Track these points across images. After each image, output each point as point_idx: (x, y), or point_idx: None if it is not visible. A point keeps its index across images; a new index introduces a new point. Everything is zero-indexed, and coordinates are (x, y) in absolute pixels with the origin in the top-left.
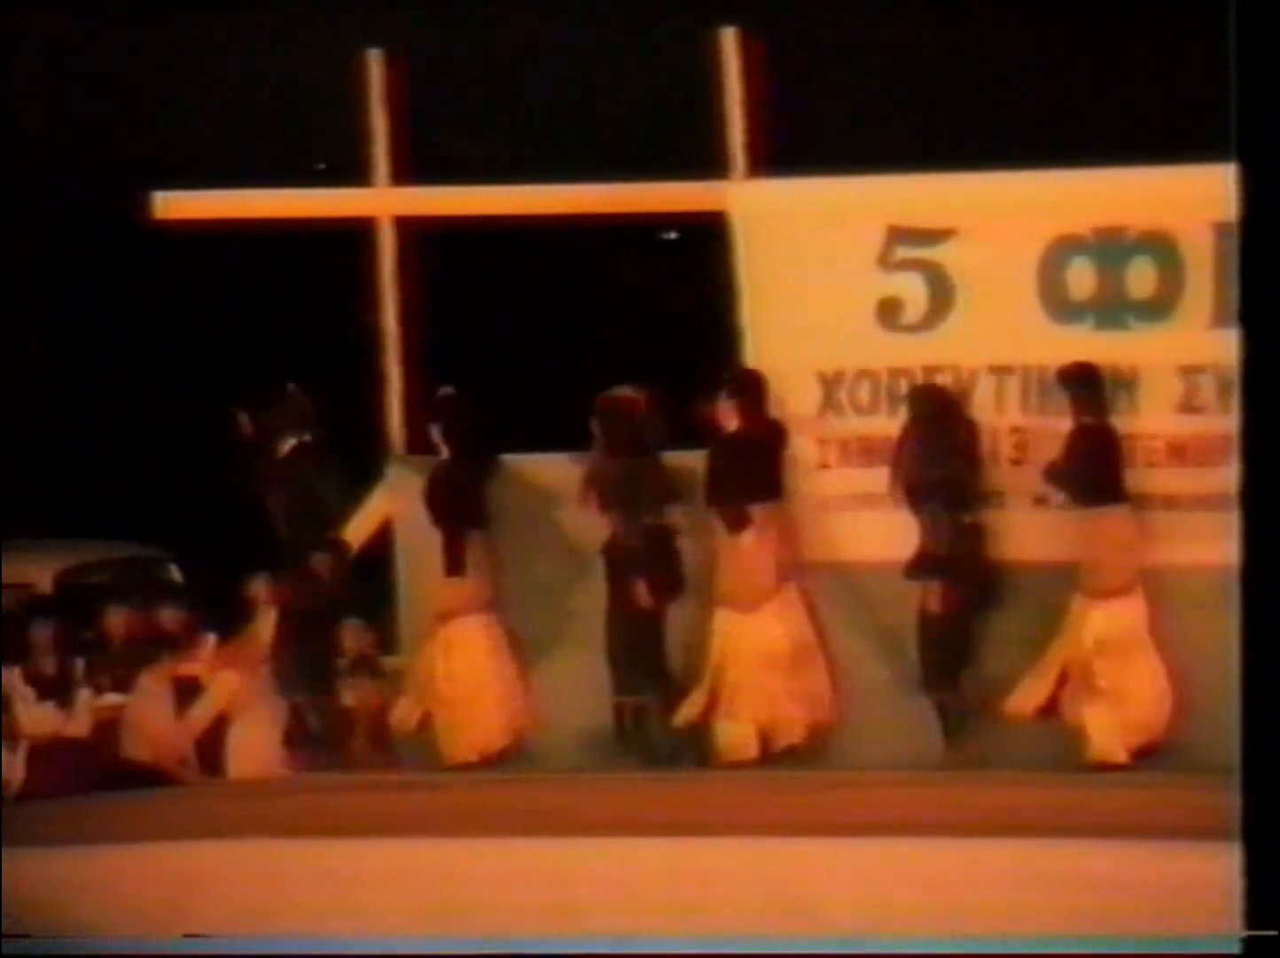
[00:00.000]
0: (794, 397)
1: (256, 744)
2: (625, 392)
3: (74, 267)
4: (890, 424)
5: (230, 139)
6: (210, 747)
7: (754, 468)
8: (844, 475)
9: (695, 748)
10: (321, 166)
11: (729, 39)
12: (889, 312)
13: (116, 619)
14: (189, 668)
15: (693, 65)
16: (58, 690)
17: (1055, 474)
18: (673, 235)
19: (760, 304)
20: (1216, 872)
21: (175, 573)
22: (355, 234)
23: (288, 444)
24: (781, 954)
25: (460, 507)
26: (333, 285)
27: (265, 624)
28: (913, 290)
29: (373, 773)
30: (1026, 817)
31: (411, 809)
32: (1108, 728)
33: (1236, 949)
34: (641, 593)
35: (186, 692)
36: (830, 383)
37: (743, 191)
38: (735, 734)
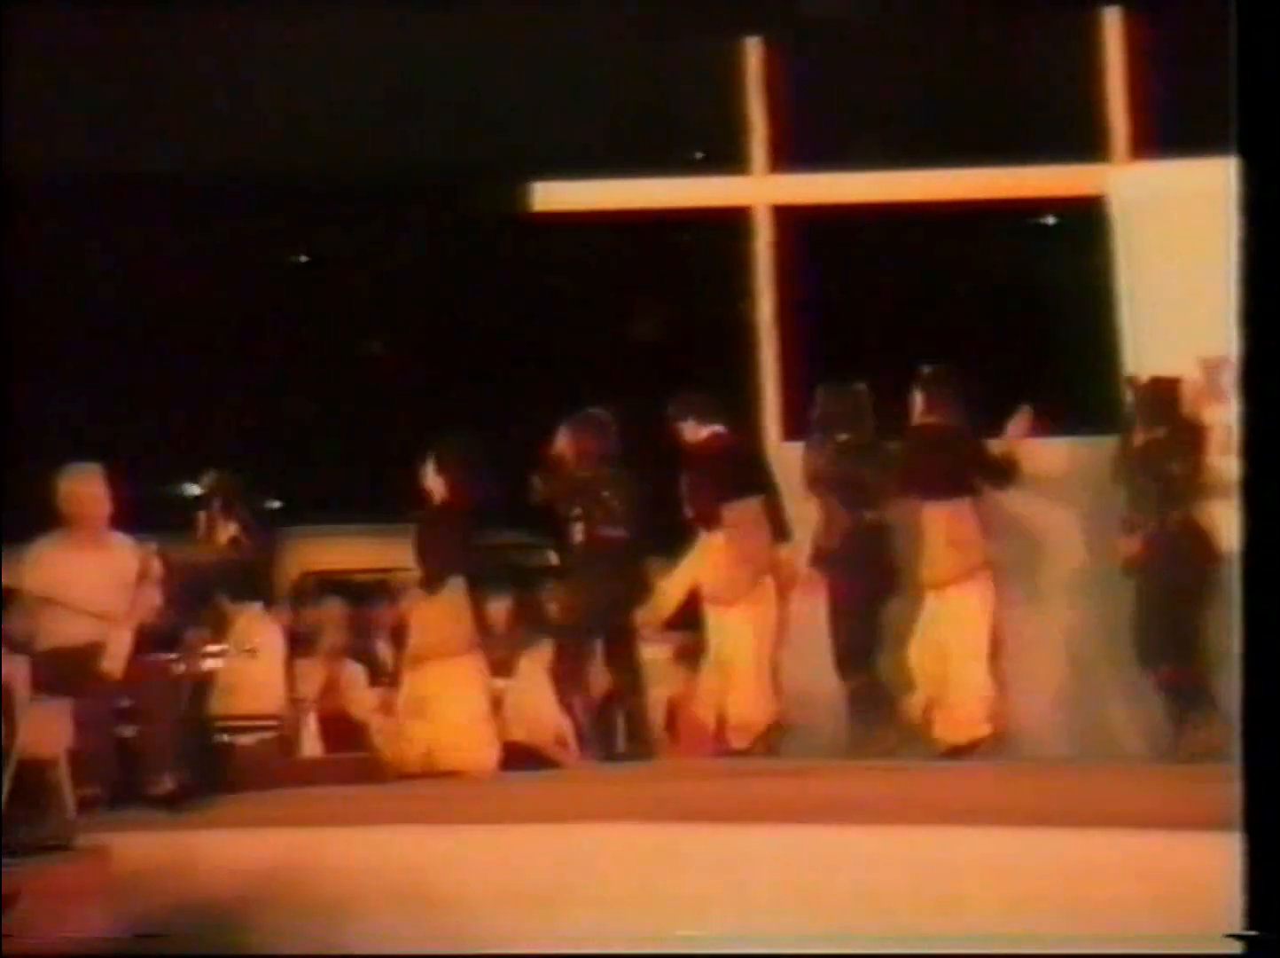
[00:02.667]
0: None
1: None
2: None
3: (456, 259)
4: None
5: (608, 129)
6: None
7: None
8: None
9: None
10: (700, 155)
11: (1112, 20)
12: None
13: (499, 605)
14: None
15: (1069, 46)
16: None
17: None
18: (1050, 220)
19: (1140, 290)
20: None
21: (553, 559)
22: (732, 223)
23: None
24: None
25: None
26: (708, 275)
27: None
28: None
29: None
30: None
31: (786, 796)
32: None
33: (1236, 949)
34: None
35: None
36: (1212, 370)
37: (1123, 175)
38: (961, 720)
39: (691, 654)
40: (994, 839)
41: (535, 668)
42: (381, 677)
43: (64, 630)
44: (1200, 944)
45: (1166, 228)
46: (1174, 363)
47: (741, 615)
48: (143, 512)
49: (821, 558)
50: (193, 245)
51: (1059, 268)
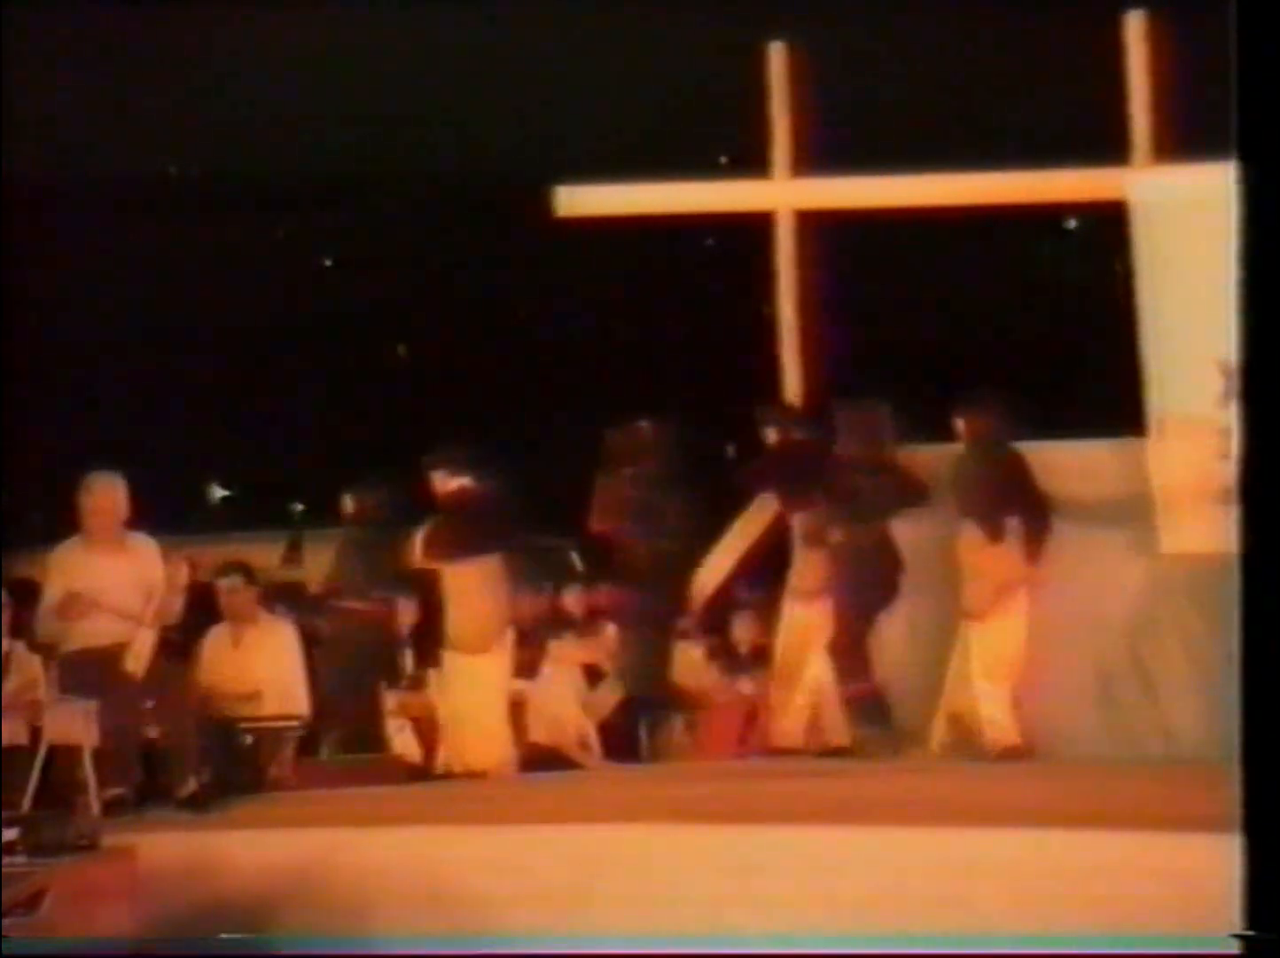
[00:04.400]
0: (1193, 388)
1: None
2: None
3: (476, 263)
4: None
5: (631, 133)
6: (614, 731)
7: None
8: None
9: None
10: (724, 160)
11: (1134, 25)
12: None
13: (523, 605)
14: (591, 654)
15: (1090, 50)
16: None
17: None
18: (1072, 224)
19: (1160, 293)
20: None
21: (576, 561)
22: (755, 227)
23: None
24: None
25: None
26: (732, 278)
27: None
28: None
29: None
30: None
31: (813, 796)
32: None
33: (1236, 949)
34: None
35: (589, 677)
36: (1231, 374)
37: (1143, 179)
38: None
39: (721, 655)
40: (1004, 840)
41: (558, 669)
42: (400, 679)
43: (88, 632)
44: (1205, 944)
45: (1187, 231)
46: (1193, 366)
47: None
48: (160, 515)
49: (617, 584)
50: (219, 250)
51: (1080, 271)
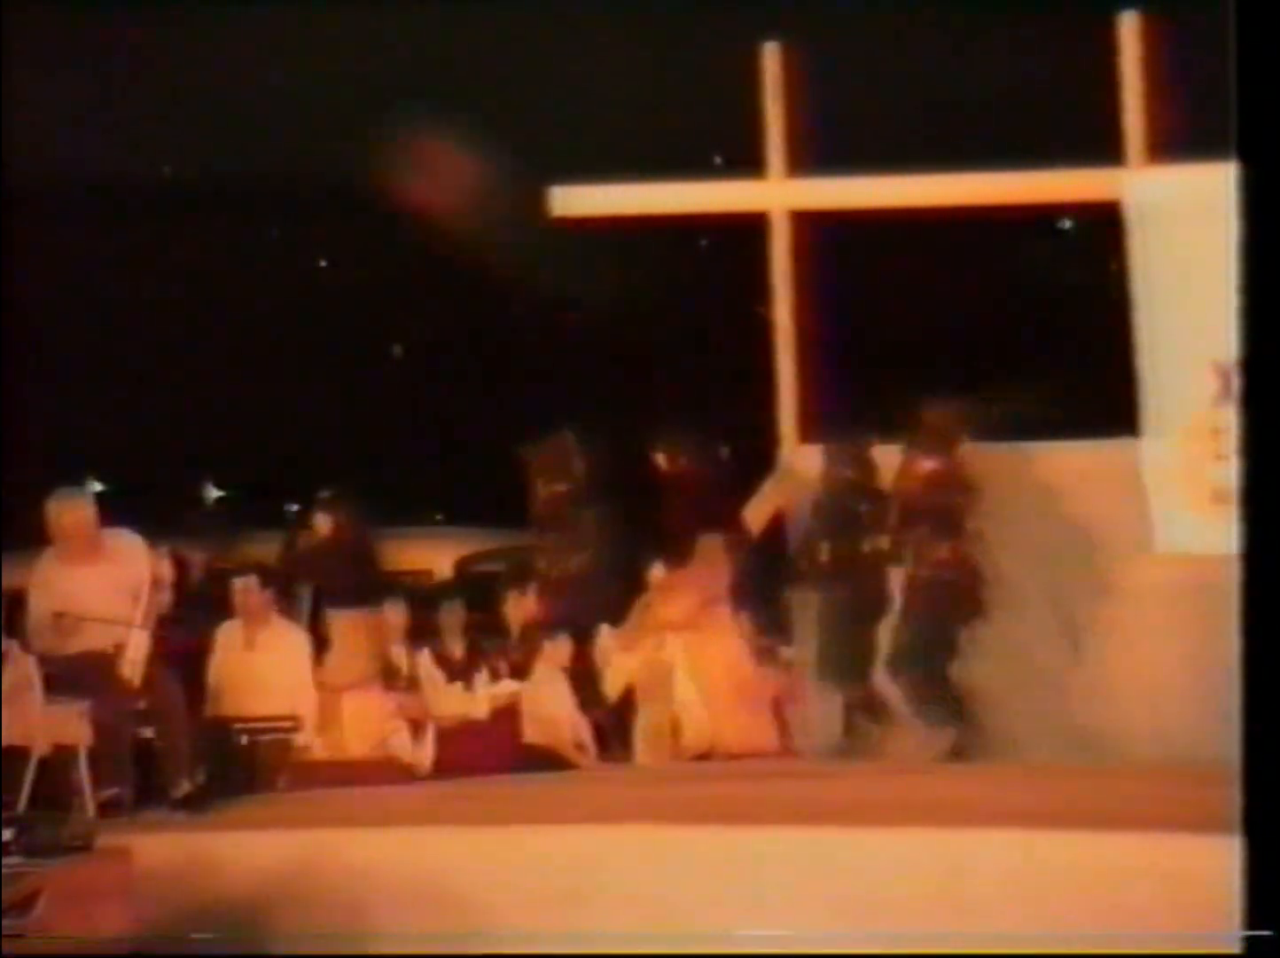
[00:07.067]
0: (1188, 388)
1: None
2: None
3: (475, 264)
4: None
5: (626, 133)
6: (608, 732)
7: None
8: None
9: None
10: (719, 160)
11: (1128, 25)
12: None
13: (515, 606)
14: (585, 654)
15: (1085, 51)
16: (465, 673)
17: None
18: (1067, 224)
19: (1156, 293)
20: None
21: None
22: (749, 228)
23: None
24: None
25: None
26: (726, 279)
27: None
28: None
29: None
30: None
31: (806, 798)
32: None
33: (1237, 949)
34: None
35: (583, 678)
36: (1226, 375)
37: (1139, 179)
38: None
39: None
40: (1004, 841)
41: (551, 670)
42: (397, 681)
43: (79, 638)
44: (1207, 944)
45: (1183, 232)
46: (1188, 367)
47: None
48: (158, 515)
49: (547, 593)
50: (214, 250)
51: (1075, 272)
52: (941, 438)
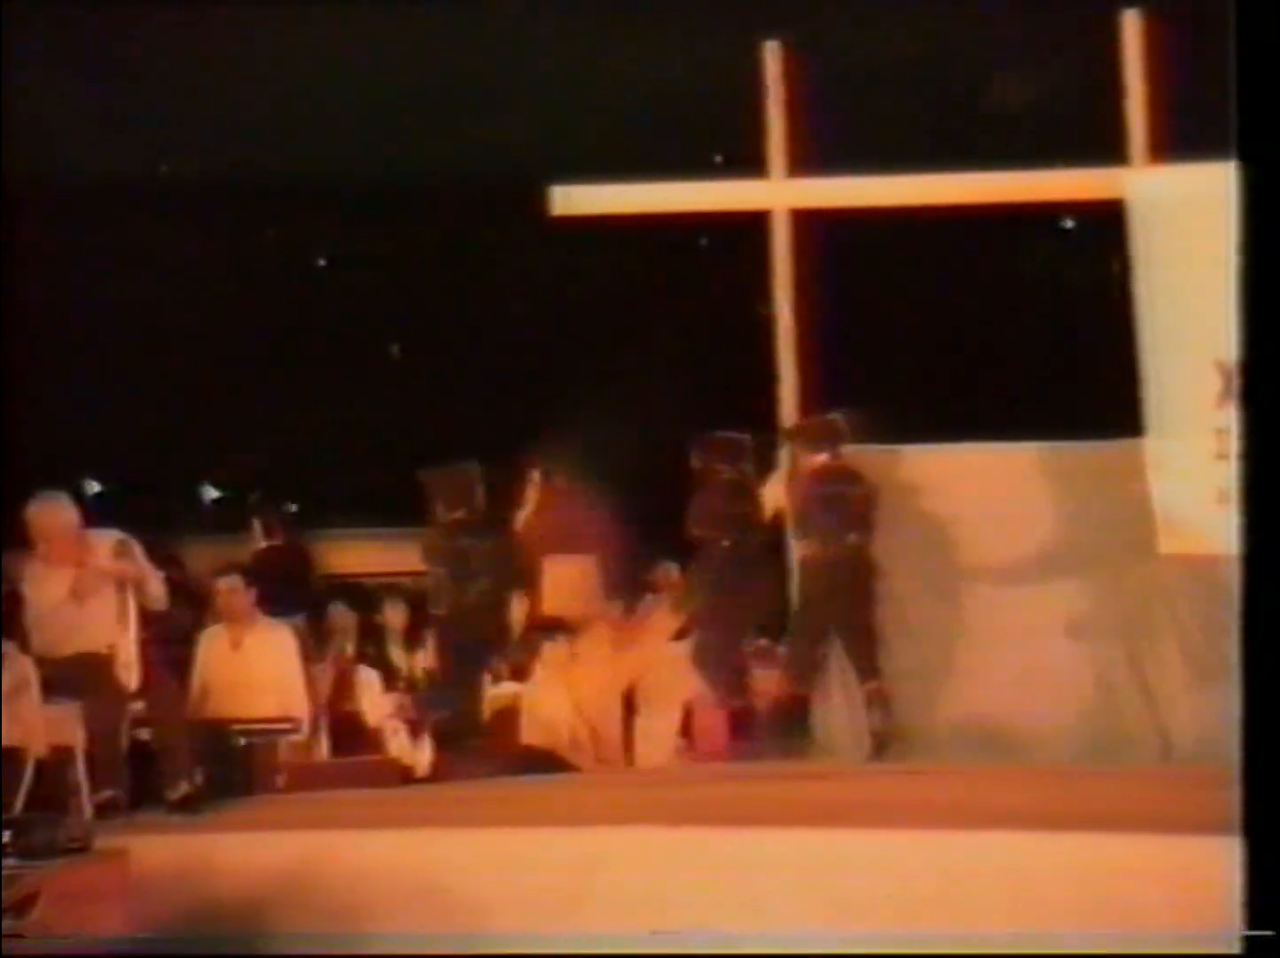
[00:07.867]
0: (1191, 387)
1: (663, 733)
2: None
3: (474, 263)
4: None
5: (626, 132)
6: (609, 733)
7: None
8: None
9: None
10: (719, 159)
11: (1131, 24)
12: None
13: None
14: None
15: (1087, 49)
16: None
17: None
18: (1069, 224)
19: (1158, 293)
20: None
21: None
22: (750, 227)
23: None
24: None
25: None
26: (727, 278)
27: (662, 614)
28: None
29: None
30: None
31: (808, 800)
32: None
33: (1236, 949)
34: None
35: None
36: (1229, 374)
37: (1141, 178)
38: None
39: None
40: (1004, 842)
41: (550, 672)
42: (396, 681)
43: (78, 637)
44: (1207, 944)
45: (1185, 231)
46: (1191, 366)
47: None
48: (158, 515)
49: (438, 625)
50: (212, 249)
51: (1078, 271)
52: (826, 437)
